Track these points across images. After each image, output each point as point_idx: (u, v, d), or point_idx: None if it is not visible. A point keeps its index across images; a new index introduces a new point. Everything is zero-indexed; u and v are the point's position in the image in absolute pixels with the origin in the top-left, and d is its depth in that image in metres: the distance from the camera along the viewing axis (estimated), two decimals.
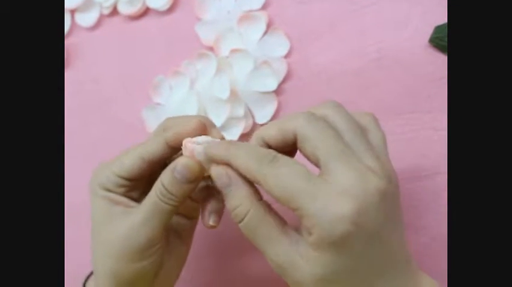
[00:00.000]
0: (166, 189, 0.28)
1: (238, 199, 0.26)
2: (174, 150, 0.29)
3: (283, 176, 0.24)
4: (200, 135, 0.28)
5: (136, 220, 0.28)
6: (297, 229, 0.25)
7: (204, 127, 0.29)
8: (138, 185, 0.30)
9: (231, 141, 0.28)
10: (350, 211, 0.23)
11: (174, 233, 0.32)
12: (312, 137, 0.25)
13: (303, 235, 0.24)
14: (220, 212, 0.30)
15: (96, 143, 0.47)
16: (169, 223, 0.31)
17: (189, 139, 0.28)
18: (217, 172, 0.27)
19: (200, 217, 0.31)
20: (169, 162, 0.29)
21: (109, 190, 0.29)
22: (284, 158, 0.25)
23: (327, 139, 0.24)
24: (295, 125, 0.25)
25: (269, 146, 0.27)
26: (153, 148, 0.29)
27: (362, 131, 0.26)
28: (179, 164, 0.27)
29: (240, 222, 0.26)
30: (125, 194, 0.29)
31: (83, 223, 0.31)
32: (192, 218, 0.33)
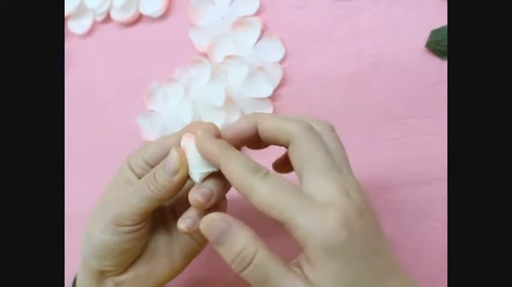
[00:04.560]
0: (153, 173, 0.28)
1: (241, 242, 0.24)
2: None
3: (273, 190, 0.24)
4: None
5: (121, 195, 0.29)
6: (296, 263, 0.25)
7: (216, 132, 0.28)
8: None
9: (226, 144, 0.27)
10: (341, 220, 0.23)
11: (167, 243, 0.32)
12: (306, 149, 0.25)
13: (302, 265, 0.24)
14: (195, 219, 0.28)
15: (90, 150, 0.46)
16: (170, 233, 0.32)
17: (188, 133, 0.28)
18: (210, 219, 0.26)
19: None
20: None
21: (131, 169, 0.30)
22: (275, 175, 0.25)
23: (319, 155, 0.25)
24: (294, 131, 0.26)
25: (256, 133, 0.28)
26: (171, 140, 0.30)
27: (346, 154, 0.27)
28: (169, 154, 0.28)
29: (245, 268, 0.24)
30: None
31: (81, 230, 0.31)
32: (198, 243, 0.32)
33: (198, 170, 0.27)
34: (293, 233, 0.24)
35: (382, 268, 0.24)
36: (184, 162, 0.28)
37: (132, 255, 0.30)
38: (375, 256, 0.24)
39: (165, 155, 0.29)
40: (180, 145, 0.29)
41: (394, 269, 0.25)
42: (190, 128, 0.29)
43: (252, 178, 0.25)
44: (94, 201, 0.31)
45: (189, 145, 0.28)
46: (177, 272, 0.32)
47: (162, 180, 0.28)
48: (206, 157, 0.27)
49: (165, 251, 0.32)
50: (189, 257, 0.32)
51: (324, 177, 0.25)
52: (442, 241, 0.34)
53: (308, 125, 0.26)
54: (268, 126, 0.27)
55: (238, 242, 0.25)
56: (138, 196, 0.28)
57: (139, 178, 0.30)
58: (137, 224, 0.29)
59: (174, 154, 0.28)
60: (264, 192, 0.24)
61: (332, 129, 0.28)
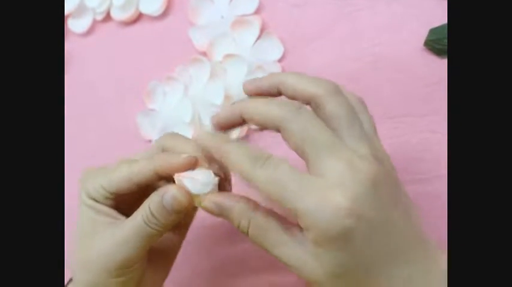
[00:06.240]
0: (152, 214, 0.27)
1: (236, 218, 0.26)
2: (163, 177, 0.28)
3: (275, 177, 0.24)
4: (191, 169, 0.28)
5: (119, 238, 0.28)
6: (302, 228, 0.25)
7: (196, 163, 0.27)
8: (127, 199, 0.29)
9: (225, 138, 0.27)
10: (344, 204, 0.22)
11: (159, 247, 0.31)
12: (298, 131, 0.24)
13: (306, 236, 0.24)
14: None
15: (90, 148, 0.46)
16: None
17: (181, 174, 0.27)
18: (204, 207, 0.27)
19: None
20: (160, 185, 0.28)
21: (96, 201, 0.29)
22: (276, 159, 0.25)
23: (313, 132, 0.24)
24: (280, 116, 0.25)
25: (243, 120, 0.27)
26: (142, 172, 0.28)
27: (357, 116, 0.26)
28: (168, 193, 0.27)
29: (247, 235, 0.26)
30: (113, 206, 0.29)
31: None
32: (181, 233, 0.32)
33: (204, 192, 0.27)
34: (298, 220, 0.24)
35: (391, 246, 0.24)
36: (189, 201, 0.27)
37: (140, 279, 0.30)
38: (385, 233, 0.23)
39: (135, 186, 0.28)
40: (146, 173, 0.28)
41: (407, 246, 0.24)
42: (166, 159, 0.27)
43: (253, 168, 0.24)
44: None
45: (189, 184, 0.27)
46: (166, 275, 0.32)
47: (165, 218, 0.27)
48: (211, 158, 0.27)
49: (157, 255, 0.31)
50: (172, 257, 0.32)
51: (327, 154, 0.24)
52: (442, 238, 0.34)
53: (294, 105, 0.25)
54: (254, 116, 0.26)
55: (233, 219, 0.26)
56: (140, 237, 0.27)
57: (110, 207, 0.29)
58: (143, 258, 0.29)
59: (178, 195, 0.27)
60: (265, 181, 0.24)
61: (335, 91, 0.26)
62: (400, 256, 0.24)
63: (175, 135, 0.30)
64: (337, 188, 0.23)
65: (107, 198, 0.28)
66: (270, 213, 0.26)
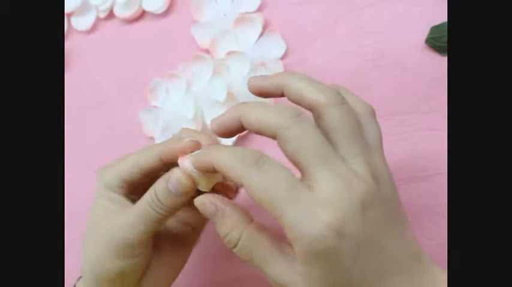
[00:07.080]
0: (157, 198, 0.28)
1: (228, 225, 0.25)
2: (167, 164, 0.29)
3: (266, 181, 0.23)
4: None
5: (125, 221, 0.29)
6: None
7: (197, 146, 0.28)
8: (138, 189, 0.30)
9: (214, 145, 0.28)
10: (332, 222, 0.22)
11: (170, 242, 0.32)
12: (295, 140, 0.23)
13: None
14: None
15: (93, 146, 0.46)
16: (168, 231, 0.31)
17: (183, 157, 0.28)
18: (200, 202, 0.26)
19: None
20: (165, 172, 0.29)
21: (112, 190, 0.30)
22: (269, 161, 0.24)
23: (311, 144, 0.23)
24: (278, 123, 0.24)
25: (241, 127, 0.26)
26: (148, 158, 0.29)
27: (359, 130, 0.25)
28: (173, 176, 0.27)
29: (233, 248, 0.25)
30: (126, 196, 0.30)
31: (82, 225, 0.31)
32: (196, 230, 0.33)
33: (206, 185, 0.28)
34: (284, 230, 0.23)
35: (380, 266, 0.23)
36: (192, 183, 0.27)
37: (144, 268, 0.31)
38: (374, 254, 0.23)
39: (143, 173, 0.29)
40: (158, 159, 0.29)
41: (400, 264, 0.24)
42: (168, 144, 0.29)
43: (244, 168, 0.23)
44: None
45: (188, 164, 0.27)
46: (177, 272, 0.32)
47: (170, 202, 0.28)
48: (202, 168, 0.27)
49: (167, 249, 0.32)
50: (185, 252, 0.32)
51: (321, 167, 0.23)
52: (443, 235, 0.35)
53: (293, 112, 0.24)
54: (251, 121, 0.25)
55: (224, 226, 0.25)
56: (146, 221, 0.28)
57: (123, 195, 0.30)
58: (148, 243, 0.29)
59: (182, 178, 0.27)
60: (257, 184, 0.23)
61: (338, 101, 0.24)
62: (391, 274, 0.23)
63: (189, 129, 0.32)
64: (328, 205, 0.22)
65: (120, 187, 0.30)
66: (263, 228, 0.25)
